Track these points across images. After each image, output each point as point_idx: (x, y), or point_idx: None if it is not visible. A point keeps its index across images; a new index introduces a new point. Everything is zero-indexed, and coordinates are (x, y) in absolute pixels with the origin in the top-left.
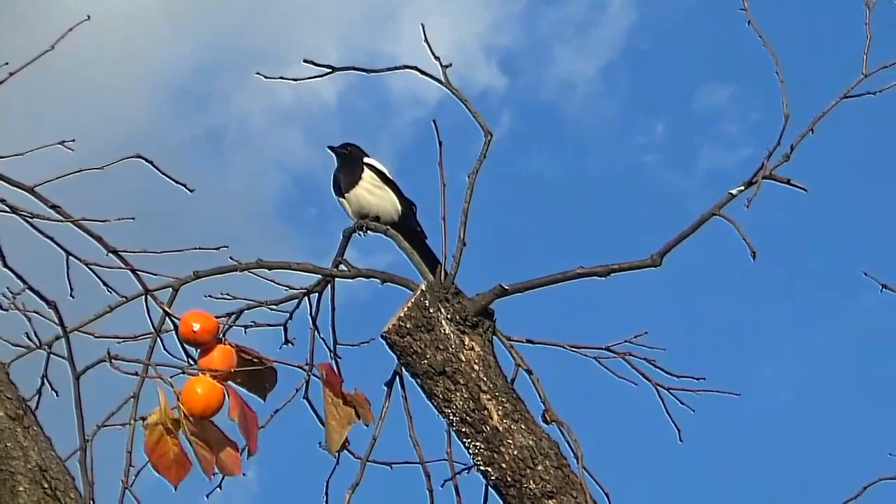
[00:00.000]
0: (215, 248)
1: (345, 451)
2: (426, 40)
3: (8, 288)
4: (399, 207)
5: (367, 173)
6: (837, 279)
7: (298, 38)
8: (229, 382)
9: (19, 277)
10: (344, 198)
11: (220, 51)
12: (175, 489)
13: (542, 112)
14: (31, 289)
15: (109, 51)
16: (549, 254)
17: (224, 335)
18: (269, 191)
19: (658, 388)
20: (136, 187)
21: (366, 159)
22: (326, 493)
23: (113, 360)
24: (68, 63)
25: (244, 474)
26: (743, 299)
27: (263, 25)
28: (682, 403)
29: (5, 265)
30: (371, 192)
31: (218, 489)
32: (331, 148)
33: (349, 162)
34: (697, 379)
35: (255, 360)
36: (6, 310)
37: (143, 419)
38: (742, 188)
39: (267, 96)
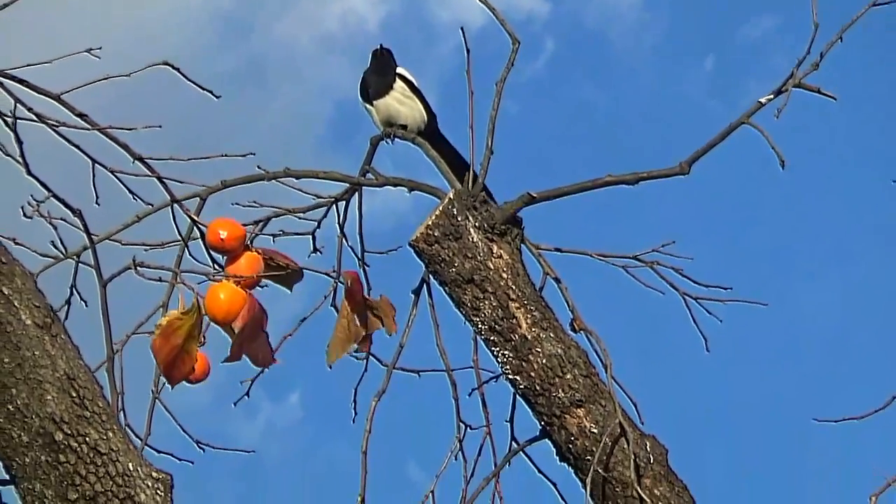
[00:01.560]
0: (242, 156)
1: (372, 357)
2: None
3: (32, 195)
4: (426, 117)
5: (399, 83)
6: (871, 196)
7: None
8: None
9: (43, 185)
10: (372, 105)
11: None
12: (171, 388)
13: (585, 39)
14: (55, 196)
15: None
16: (582, 169)
17: (251, 243)
18: (316, 117)
19: (685, 297)
20: (178, 116)
21: (398, 69)
22: (354, 401)
23: (139, 268)
24: None
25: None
26: (776, 213)
27: None
28: (709, 313)
29: (29, 173)
30: (401, 102)
31: (246, 396)
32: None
33: (382, 68)
34: (725, 289)
35: (283, 264)
36: (30, 217)
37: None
38: (771, 97)
39: (311, 24)
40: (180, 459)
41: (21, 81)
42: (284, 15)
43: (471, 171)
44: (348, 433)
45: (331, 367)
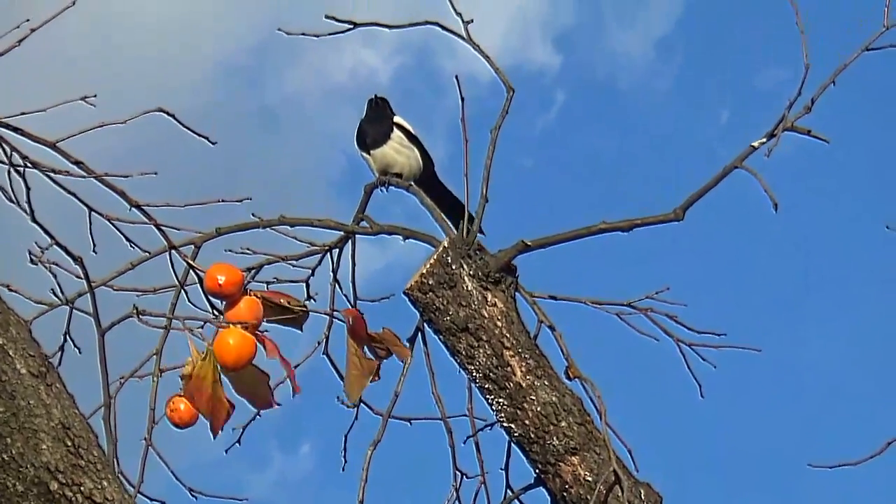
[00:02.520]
0: (238, 201)
1: (364, 406)
2: None
3: (36, 243)
4: (422, 164)
5: (396, 133)
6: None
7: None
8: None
9: (47, 233)
10: (369, 154)
11: (273, 30)
12: (214, 437)
13: (596, 89)
14: (58, 244)
15: (167, 24)
16: (595, 217)
17: (247, 287)
18: (324, 168)
19: (679, 343)
20: (189, 169)
21: (395, 118)
22: (345, 448)
23: (140, 316)
24: (124, 33)
25: (279, 405)
26: (771, 259)
27: (319, 6)
28: (703, 359)
29: (34, 220)
30: (398, 151)
31: (237, 444)
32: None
33: (379, 117)
34: (718, 335)
35: (283, 304)
36: (35, 264)
37: (164, 371)
38: (764, 140)
39: (322, 76)
40: None
41: (16, 129)
42: (295, 67)
43: (464, 220)
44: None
45: (355, 406)
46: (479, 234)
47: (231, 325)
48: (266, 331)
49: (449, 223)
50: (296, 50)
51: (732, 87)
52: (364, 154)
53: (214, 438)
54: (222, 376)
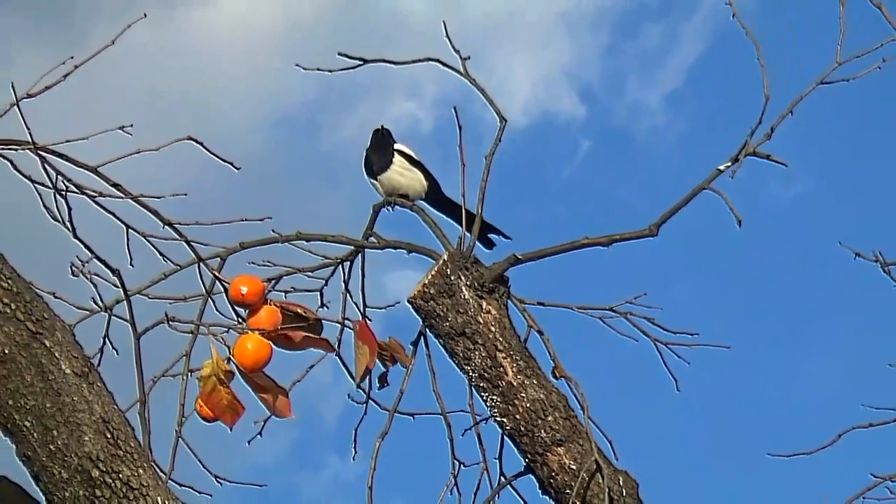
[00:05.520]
0: (259, 220)
1: (373, 403)
2: (447, 35)
3: (77, 257)
4: (426, 185)
5: (398, 158)
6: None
7: (407, 70)
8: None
9: (87, 248)
10: (376, 179)
11: (328, 83)
12: (230, 430)
13: (616, 137)
14: (97, 258)
15: (226, 80)
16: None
17: (267, 297)
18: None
19: (656, 343)
20: (245, 208)
21: (396, 145)
22: (355, 441)
23: (170, 322)
24: (184, 90)
25: (294, 416)
26: (736, 265)
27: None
28: (678, 357)
29: (75, 236)
30: (402, 175)
31: (259, 436)
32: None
33: (382, 146)
34: (692, 334)
35: (299, 313)
36: (76, 276)
37: (192, 371)
38: (728, 164)
39: (370, 125)
40: (199, 492)
41: (62, 155)
42: (347, 117)
43: (472, 228)
44: (401, 485)
45: (359, 386)
46: (490, 247)
47: (250, 332)
48: None
49: (447, 239)
50: (351, 101)
51: (735, 134)
52: (372, 180)
53: (231, 430)
54: (241, 380)
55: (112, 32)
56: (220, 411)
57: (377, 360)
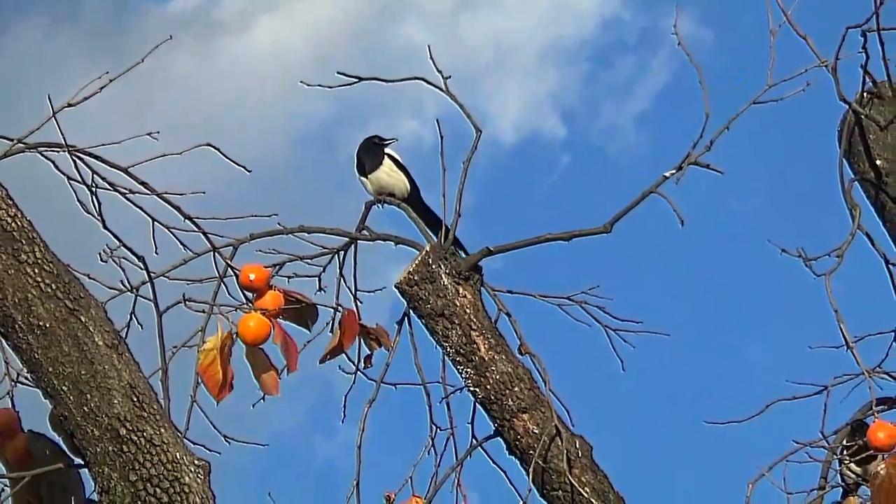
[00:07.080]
0: (267, 216)
1: (362, 374)
2: (431, 58)
3: (107, 244)
4: (409, 187)
5: (387, 160)
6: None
7: (413, 94)
8: (278, 319)
9: (116, 237)
10: (366, 178)
11: (349, 104)
12: (217, 404)
13: (592, 153)
14: (125, 246)
15: (255, 100)
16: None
17: (271, 283)
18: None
19: (606, 329)
20: (258, 207)
21: (386, 150)
22: (344, 406)
23: (188, 302)
24: (217, 107)
25: (280, 395)
26: (678, 261)
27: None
28: (625, 341)
29: (105, 227)
30: (389, 175)
31: (262, 401)
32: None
33: (372, 148)
34: (637, 322)
35: (298, 300)
36: (105, 261)
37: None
38: (673, 171)
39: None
40: (210, 450)
41: (97, 157)
42: (360, 134)
43: (443, 229)
44: (402, 452)
45: (321, 363)
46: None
47: (253, 311)
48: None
49: (430, 233)
50: (365, 119)
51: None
52: (362, 178)
53: (217, 404)
54: (238, 354)
55: (154, 58)
56: (212, 384)
57: (363, 342)
